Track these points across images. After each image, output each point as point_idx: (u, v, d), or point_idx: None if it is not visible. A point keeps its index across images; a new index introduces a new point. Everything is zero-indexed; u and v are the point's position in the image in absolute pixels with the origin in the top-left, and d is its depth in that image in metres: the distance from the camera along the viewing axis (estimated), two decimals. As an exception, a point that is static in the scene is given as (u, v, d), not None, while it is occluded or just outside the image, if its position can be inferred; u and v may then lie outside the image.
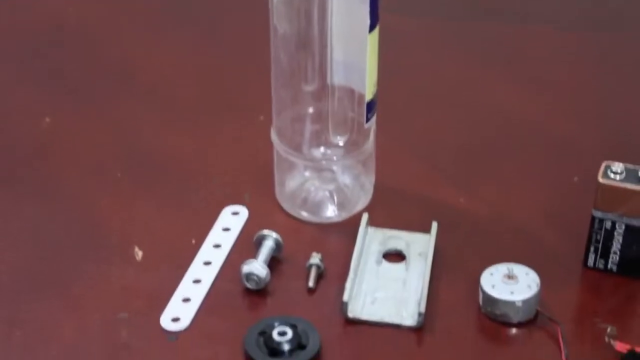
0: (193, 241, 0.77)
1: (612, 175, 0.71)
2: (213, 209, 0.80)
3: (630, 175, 0.71)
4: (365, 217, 0.77)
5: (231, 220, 0.79)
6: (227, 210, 0.80)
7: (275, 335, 0.68)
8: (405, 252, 0.76)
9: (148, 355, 0.68)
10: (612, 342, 0.68)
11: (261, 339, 0.68)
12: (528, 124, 0.90)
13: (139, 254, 0.76)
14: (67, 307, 0.72)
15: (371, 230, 0.77)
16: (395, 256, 0.76)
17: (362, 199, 0.80)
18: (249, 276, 0.72)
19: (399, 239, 0.77)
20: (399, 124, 0.89)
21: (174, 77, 0.95)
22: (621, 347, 0.67)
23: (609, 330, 0.69)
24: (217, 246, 0.77)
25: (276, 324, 0.69)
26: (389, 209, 0.80)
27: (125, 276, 0.74)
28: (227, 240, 0.77)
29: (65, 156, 0.85)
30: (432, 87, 0.95)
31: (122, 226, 0.78)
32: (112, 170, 0.84)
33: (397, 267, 0.75)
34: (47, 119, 0.89)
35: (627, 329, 0.70)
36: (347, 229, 0.78)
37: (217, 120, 0.90)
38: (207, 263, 0.75)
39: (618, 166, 0.71)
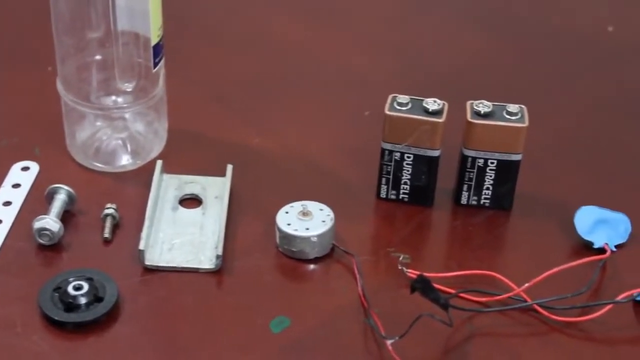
0: (-18, 200, 0.74)
1: (398, 107, 0.72)
2: (1, 166, 0.77)
3: (415, 106, 0.72)
4: (159, 164, 0.76)
5: (21, 176, 0.77)
6: (17, 166, 0.77)
7: (70, 289, 0.67)
8: (201, 197, 0.75)
9: (-62, 322, 0.66)
10: (404, 269, 0.69)
11: (56, 295, 0.67)
12: (320, 59, 0.90)
13: None
14: None
15: (166, 177, 0.77)
16: (191, 201, 0.75)
17: (157, 146, 0.79)
18: (41, 232, 0.70)
19: (195, 183, 0.76)
20: (190, 67, 0.88)
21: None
22: (413, 273, 0.69)
23: (401, 258, 0.71)
24: (7, 204, 0.74)
25: (71, 278, 0.68)
26: (184, 154, 0.79)
27: None
28: (18, 197, 0.75)
29: None
30: (222, 27, 0.94)
31: None
32: None
33: (193, 212, 0.74)
34: None
35: (419, 256, 0.71)
36: (143, 177, 0.77)
37: (1, 72, 0.86)
38: (-3, 222, 0.73)
39: (404, 98, 0.73)
